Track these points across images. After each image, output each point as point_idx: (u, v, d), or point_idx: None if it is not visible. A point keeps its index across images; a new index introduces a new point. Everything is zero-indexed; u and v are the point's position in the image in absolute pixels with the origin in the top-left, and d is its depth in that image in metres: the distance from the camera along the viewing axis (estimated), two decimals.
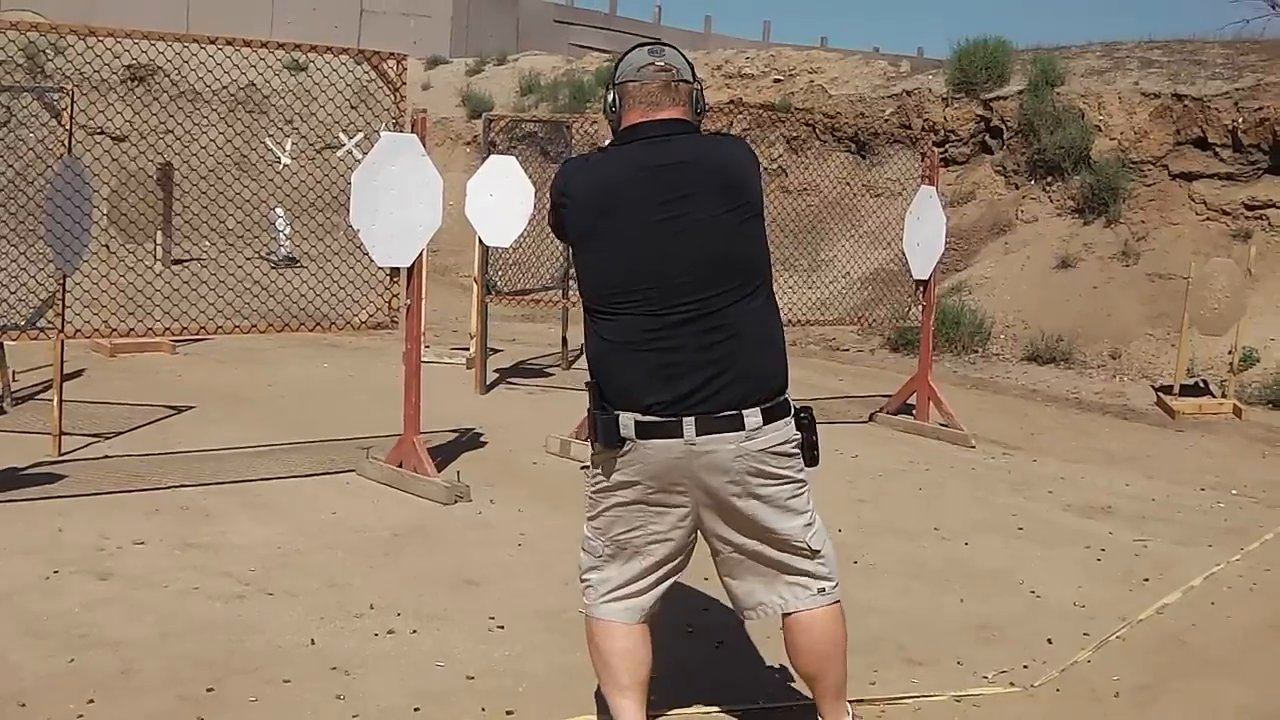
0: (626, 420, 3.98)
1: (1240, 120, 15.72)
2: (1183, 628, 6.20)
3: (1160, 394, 12.59)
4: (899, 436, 10.49)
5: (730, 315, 4.02)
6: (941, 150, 18.27)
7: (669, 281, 3.99)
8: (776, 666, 5.26)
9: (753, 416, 4.00)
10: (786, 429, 4.12)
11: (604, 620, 4.29)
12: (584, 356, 4.28)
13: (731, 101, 20.83)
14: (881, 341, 15.33)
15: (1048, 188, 17.03)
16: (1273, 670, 5.73)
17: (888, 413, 10.94)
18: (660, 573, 4.28)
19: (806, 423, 4.21)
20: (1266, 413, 12.25)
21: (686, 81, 4.22)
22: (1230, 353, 12.49)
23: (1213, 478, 9.60)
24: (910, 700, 5.11)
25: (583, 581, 4.37)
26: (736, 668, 5.37)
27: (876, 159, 18.81)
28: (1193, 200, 15.84)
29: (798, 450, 4.19)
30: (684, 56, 4.28)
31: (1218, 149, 15.93)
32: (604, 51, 28.45)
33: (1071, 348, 14.18)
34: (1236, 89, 16.11)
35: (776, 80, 21.48)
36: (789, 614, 4.27)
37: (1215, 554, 7.47)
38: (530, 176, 10.74)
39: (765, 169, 19.86)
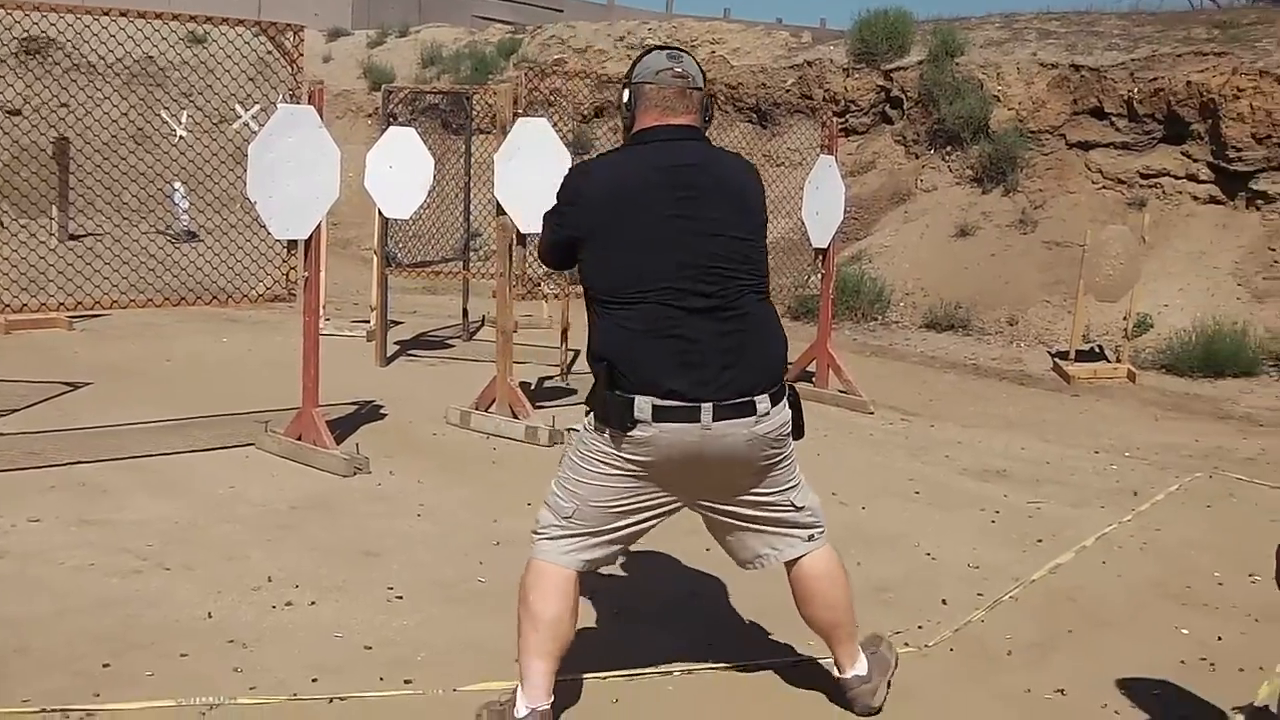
0: (643, 404, 4.10)
1: (1135, 90, 15.91)
2: (1074, 587, 6.32)
3: (1056, 360, 12.77)
4: None
5: (743, 308, 4.21)
6: (842, 120, 18.35)
7: (688, 273, 4.14)
8: (669, 635, 5.30)
9: (763, 403, 4.18)
10: (785, 412, 4.32)
11: (550, 565, 4.37)
12: (588, 341, 4.39)
13: None
14: (783, 310, 15.34)
15: (947, 157, 17.17)
16: (1161, 627, 5.86)
17: (787, 380, 10.97)
18: (628, 538, 4.45)
19: (794, 400, 4.42)
20: (1160, 377, 12.44)
21: (699, 89, 4.39)
22: (1125, 319, 12.66)
23: (1106, 441, 9.76)
24: (805, 662, 5.16)
25: (538, 534, 4.43)
26: (634, 635, 5.40)
27: (778, 129, 18.88)
28: (1089, 169, 16.04)
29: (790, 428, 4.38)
30: (697, 63, 4.45)
31: (1114, 119, 16.13)
32: (507, 23, 28.34)
33: (970, 315, 14.33)
34: (1132, 59, 16.29)
35: None
36: (791, 566, 4.60)
37: (1107, 515, 7.60)
38: (431, 148, 10.71)
39: None
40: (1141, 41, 16.72)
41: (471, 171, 12.99)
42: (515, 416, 8.86)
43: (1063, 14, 18.78)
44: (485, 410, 9.02)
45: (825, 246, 10.70)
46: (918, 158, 17.63)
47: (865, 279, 15.07)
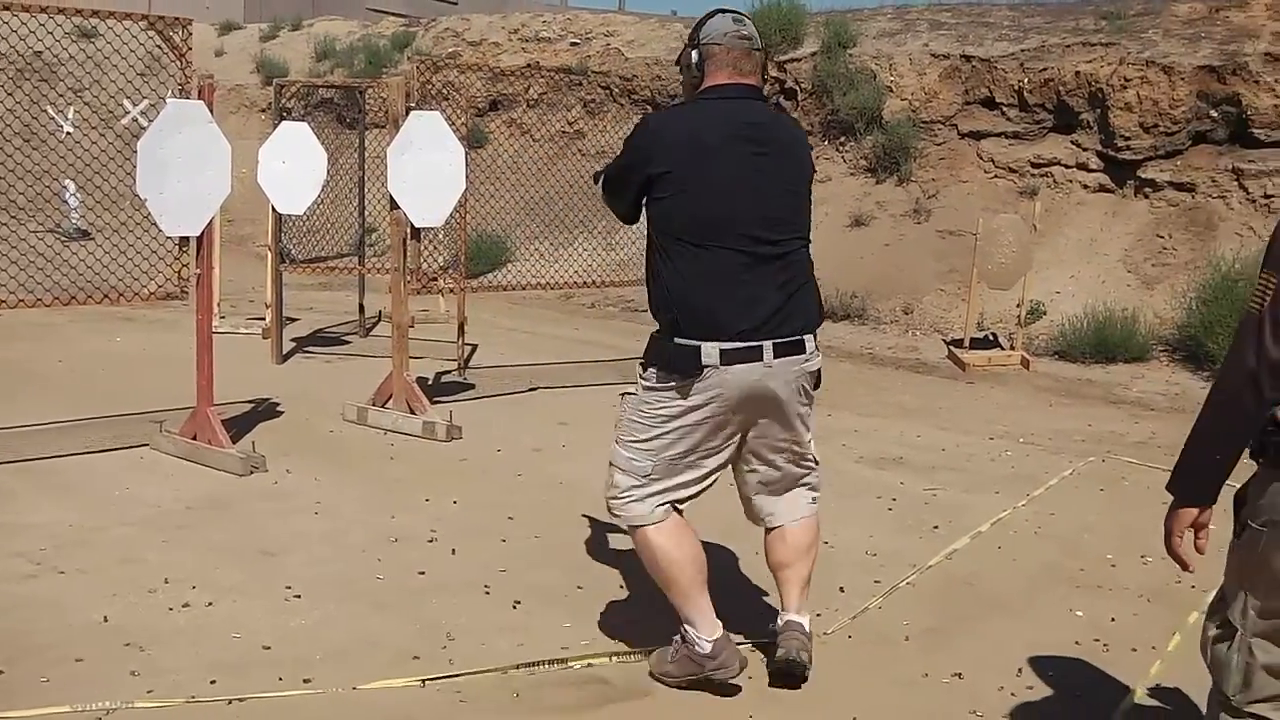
0: (710, 349, 4.44)
1: (1026, 80, 16.10)
2: (970, 572, 6.40)
3: (951, 347, 12.89)
4: None
5: (794, 258, 4.63)
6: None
7: (761, 223, 4.53)
8: (567, 625, 5.32)
9: (810, 342, 4.66)
10: (819, 354, 4.77)
11: (658, 524, 4.70)
12: (653, 293, 4.68)
13: (529, 65, 20.76)
14: None
15: (841, 148, 17.28)
16: (1055, 610, 5.95)
17: None
18: (706, 483, 4.80)
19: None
20: (1053, 364, 12.60)
21: (760, 50, 4.78)
22: (1018, 306, 12.81)
23: (1001, 427, 9.86)
24: None
25: (618, 500, 4.74)
26: (532, 627, 5.41)
27: None
28: (981, 158, 16.20)
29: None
30: (754, 25, 4.78)
31: (1005, 108, 16.31)
32: (400, 16, 28.12)
33: (866, 304, 14.43)
34: (1022, 50, 16.48)
35: (574, 43, 21.46)
36: (782, 525, 4.98)
37: (1002, 500, 7.69)
38: (325, 143, 10.62)
39: (563, 132, 19.89)
40: (1031, 32, 16.92)
41: (366, 166, 12.92)
42: (412, 412, 8.83)
43: (954, 5, 18.97)
44: (382, 406, 8.99)
45: None
46: (812, 148, 17.71)
47: None
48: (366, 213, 12.96)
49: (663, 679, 4.84)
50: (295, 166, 10.28)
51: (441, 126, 8.88)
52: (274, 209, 10.98)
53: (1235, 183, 14.21)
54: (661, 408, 4.60)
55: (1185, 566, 3.37)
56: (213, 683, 4.70)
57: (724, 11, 4.77)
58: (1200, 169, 14.57)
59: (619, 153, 4.71)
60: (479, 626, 5.34)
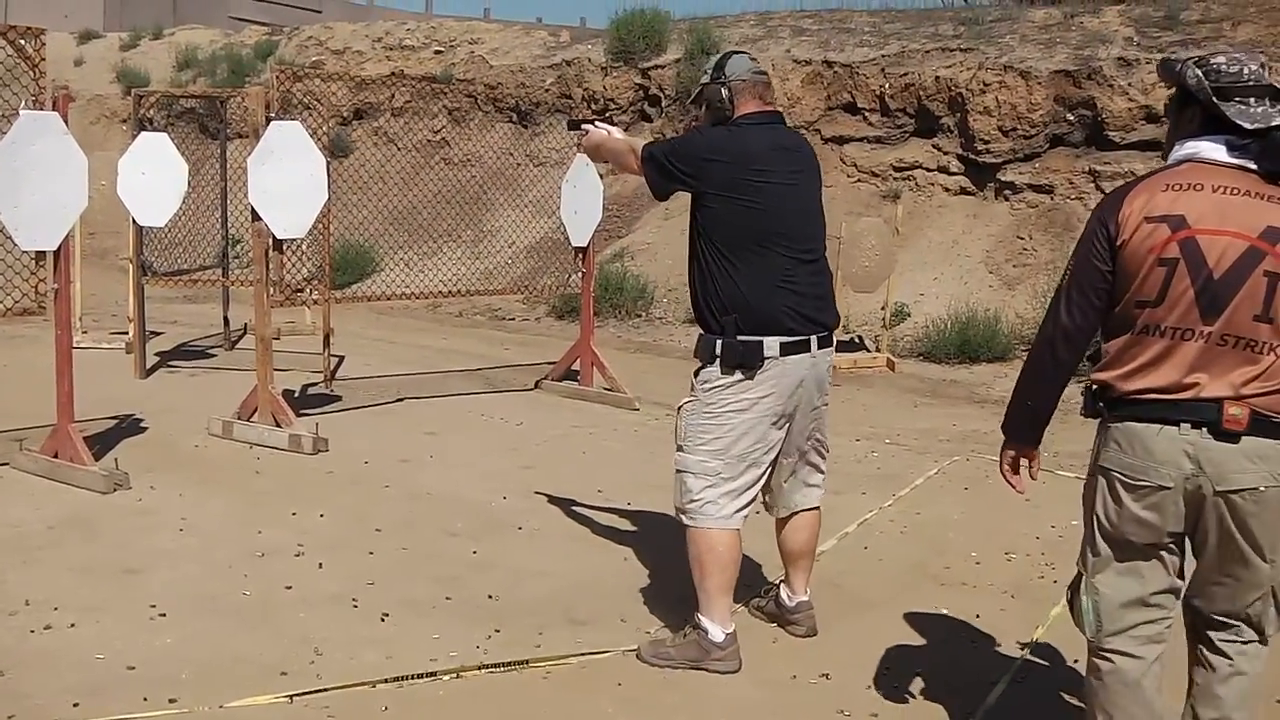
0: (771, 343, 5.05)
1: (887, 86, 16.31)
2: (838, 573, 6.46)
3: None
4: (564, 403, 10.59)
5: (822, 263, 5.34)
6: (602, 119, 18.44)
7: (802, 231, 5.20)
8: (436, 637, 5.30)
9: (837, 336, 5.50)
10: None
11: (729, 530, 5.19)
12: (709, 298, 5.15)
13: (393, 74, 20.68)
14: (547, 310, 15.45)
15: None
16: (922, 607, 6.03)
17: (552, 379, 11.03)
18: (764, 480, 5.31)
19: None
20: (918, 365, 12.77)
21: (770, 82, 5.49)
22: (883, 309, 12.96)
23: (867, 428, 9.96)
24: (575, 659, 5.21)
25: (694, 502, 5.18)
26: (401, 639, 5.39)
27: (538, 129, 18.93)
28: (844, 163, 16.39)
29: None
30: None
31: (866, 113, 16.52)
32: (263, 25, 27.91)
33: None
34: (883, 55, 16.71)
35: (438, 51, 21.42)
36: (806, 510, 5.55)
37: (869, 501, 7.78)
38: (188, 154, 10.51)
39: (429, 141, 19.83)
40: (892, 38, 17.15)
41: (228, 177, 12.77)
42: (278, 425, 8.75)
43: (815, 11, 19.19)
44: (247, 420, 8.89)
45: (585, 245, 10.75)
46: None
47: (628, 276, 15.18)
48: (230, 224, 12.80)
49: (656, 661, 5.21)
50: (156, 178, 10.15)
51: (302, 136, 8.82)
52: (135, 221, 10.81)
53: (1092, 184, 14.51)
54: (727, 405, 5.11)
55: (1015, 488, 4.11)
56: (75, 705, 4.62)
57: (737, 53, 5.48)
58: (1058, 171, 14.86)
59: (673, 138, 5.29)
60: (347, 640, 5.31)
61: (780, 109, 5.56)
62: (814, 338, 5.18)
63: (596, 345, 10.97)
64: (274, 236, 8.76)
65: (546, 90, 19.36)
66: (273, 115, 8.80)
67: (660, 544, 6.74)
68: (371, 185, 16.22)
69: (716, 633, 5.17)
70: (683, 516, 5.26)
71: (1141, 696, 3.81)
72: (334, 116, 19.63)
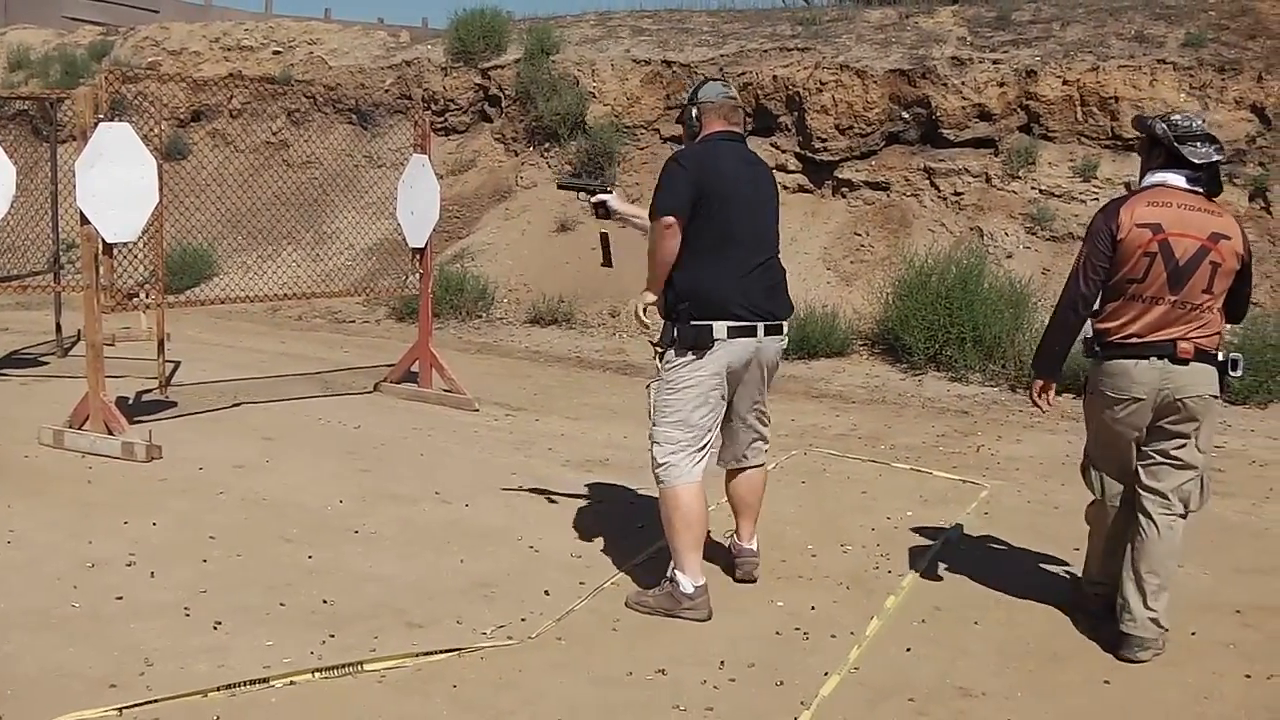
0: (720, 327, 5.86)
1: None
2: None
3: (658, 348, 12.99)
4: (403, 405, 10.51)
5: (774, 263, 6.12)
6: (442, 120, 18.44)
7: (760, 237, 6.06)
8: (270, 644, 5.25)
9: (786, 326, 6.22)
10: (786, 338, 6.31)
11: (691, 484, 5.96)
12: (668, 288, 5.94)
13: (230, 75, 20.42)
14: (388, 311, 15.32)
15: (546, 154, 17.39)
16: (758, 601, 6.13)
17: (391, 382, 10.95)
18: (712, 439, 6.10)
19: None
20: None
21: (741, 107, 6.38)
22: None
23: None
24: (410, 662, 5.19)
25: (662, 466, 5.99)
26: (234, 644, 5.33)
27: (378, 130, 18.77)
28: None
29: None
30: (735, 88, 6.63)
31: None
32: (98, 24, 27.37)
33: (573, 308, 14.53)
34: (721, 55, 16.83)
35: (276, 52, 21.18)
36: (742, 469, 6.47)
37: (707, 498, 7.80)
38: (21, 157, 10.30)
39: (268, 142, 19.61)
40: (730, 38, 17.29)
41: (59, 180, 12.54)
42: (110, 433, 8.60)
43: (654, 11, 19.28)
44: (79, 428, 8.73)
45: (422, 246, 10.68)
46: (517, 155, 17.81)
47: (468, 277, 15.12)
48: (62, 228, 12.56)
49: (637, 607, 5.97)
50: None
51: (132, 139, 8.68)
52: None
53: (927, 181, 14.75)
54: (685, 381, 5.92)
55: (1042, 409, 5.96)
56: None
57: (714, 80, 6.36)
58: (894, 168, 15.08)
59: (661, 188, 5.93)
60: (178, 650, 5.24)
61: (742, 131, 6.28)
62: (761, 325, 5.98)
63: (436, 346, 10.92)
64: (104, 240, 8.62)
65: (386, 91, 19.24)
66: (102, 117, 8.65)
67: (500, 547, 6.76)
68: (210, 188, 16.01)
69: (687, 585, 5.87)
70: (657, 478, 6.03)
71: (1119, 519, 5.81)
72: (170, 118, 19.35)
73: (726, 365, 5.93)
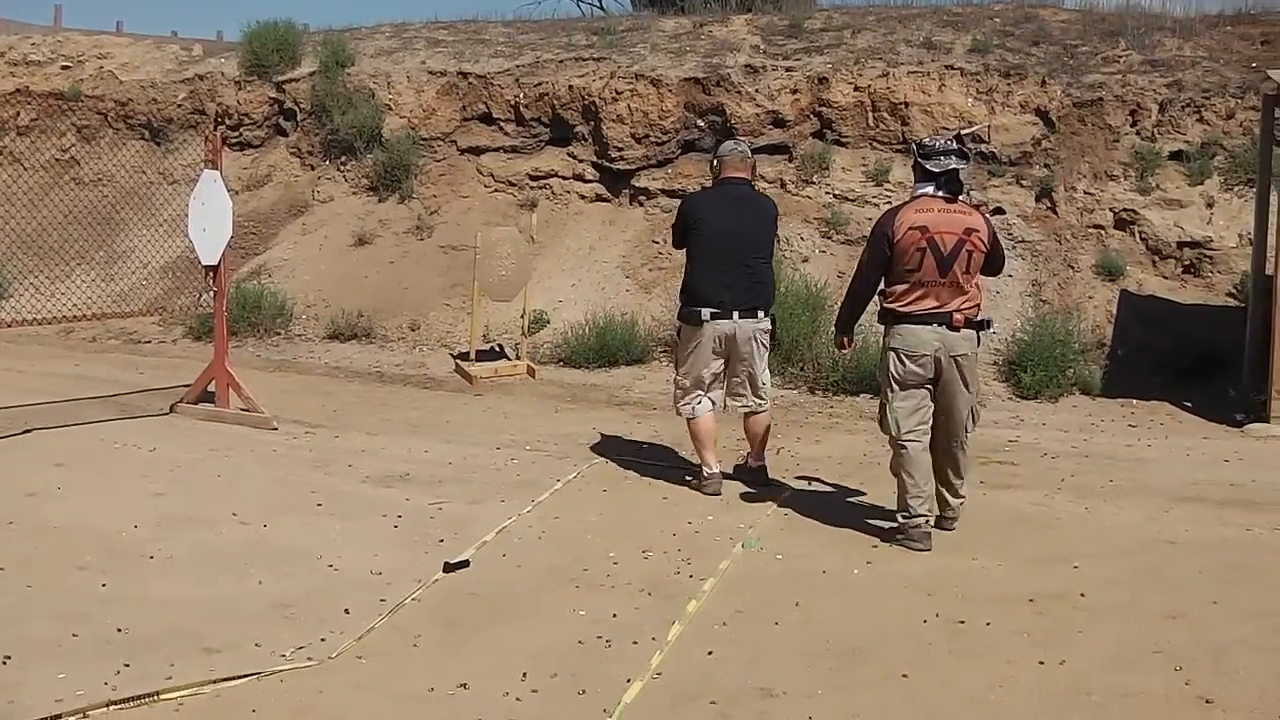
0: (705, 312, 8.32)
1: (522, 96, 16.48)
2: (476, 582, 6.54)
3: (459, 361, 13.03)
4: (200, 426, 10.31)
5: (756, 267, 8.52)
6: (237, 134, 18.20)
7: (740, 248, 8.41)
8: (62, 676, 5.16)
9: (762, 313, 8.52)
10: (767, 322, 8.60)
11: (700, 417, 8.53)
12: (682, 284, 8.68)
13: (17, 90, 19.92)
14: (184, 331, 15.02)
15: (342, 167, 17.24)
16: (560, 611, 6.16)
17: (188, 403, 10.73)
18: (715, 383, 8.59)
19: (773, 320, 8.71)
20: (559, 371, 12.94)
21: (749, 158, 8.85)
22: (522, 316, 13.07)
23: (508, 436, 10.05)
24: (209, 688, 5.13)
25: (680, 404, 8.64)
26: (24, 679, 5.22)
27: (172, 146, 18.42)
28: (481, 173, 16.50)
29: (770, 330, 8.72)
30: (748, 146, 9.39)
31: (502, 123, 16.66)
32: None
33: (372, 323, 14.40)
34: (517, 66, 16.88)
35: (65, 67, 20.67)
36: (750, 413, 8.74)
37: (507, 508, 7.86)
38: None
39: (57, 160, 19.16)
40: (526, 49, 17.34)
41: None
42: None
43: (450, 23, 19.23)
44: None
45: (216, 263, 10.51)
46: (313, 169, 17.63)
47: (266, 293, 14.91)
48: None
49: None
50: None
51: None
52: None
53: None
54: (692, 342, 8.45)
55: (847, 353, 8.78)
56: None
57: (730, 139, 9.43)
58: (690, 176, 15.25)
59: (676, 220, 8.79)
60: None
61: (748, 177, 8.72)
62: (736, 311, 8.31)
63: (233, 365, 10.76)
64: None
65: (179, 106, 18.90)
66: None
67: (299, 567, 6.71)
68: None
69: (705, 470, 8.49)
70: (677, 412, 8.72)
71: (923, 460, 7.31)
72: None
73: (714, 337, 8.32)
